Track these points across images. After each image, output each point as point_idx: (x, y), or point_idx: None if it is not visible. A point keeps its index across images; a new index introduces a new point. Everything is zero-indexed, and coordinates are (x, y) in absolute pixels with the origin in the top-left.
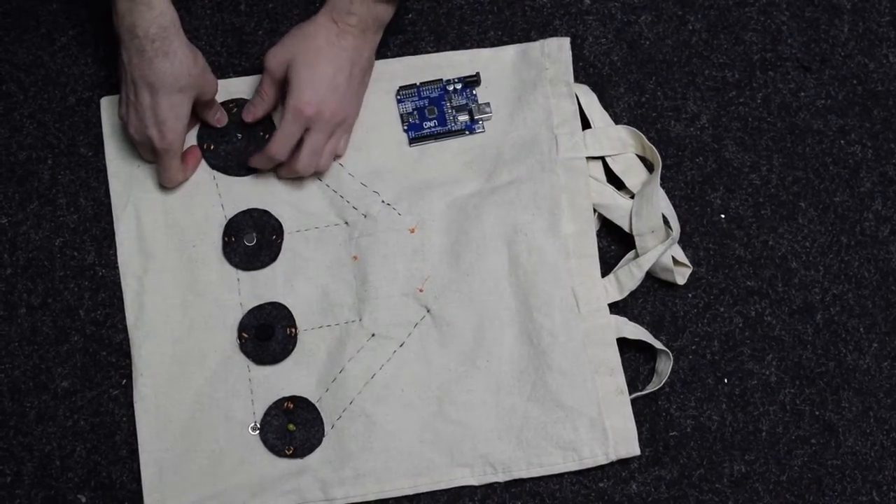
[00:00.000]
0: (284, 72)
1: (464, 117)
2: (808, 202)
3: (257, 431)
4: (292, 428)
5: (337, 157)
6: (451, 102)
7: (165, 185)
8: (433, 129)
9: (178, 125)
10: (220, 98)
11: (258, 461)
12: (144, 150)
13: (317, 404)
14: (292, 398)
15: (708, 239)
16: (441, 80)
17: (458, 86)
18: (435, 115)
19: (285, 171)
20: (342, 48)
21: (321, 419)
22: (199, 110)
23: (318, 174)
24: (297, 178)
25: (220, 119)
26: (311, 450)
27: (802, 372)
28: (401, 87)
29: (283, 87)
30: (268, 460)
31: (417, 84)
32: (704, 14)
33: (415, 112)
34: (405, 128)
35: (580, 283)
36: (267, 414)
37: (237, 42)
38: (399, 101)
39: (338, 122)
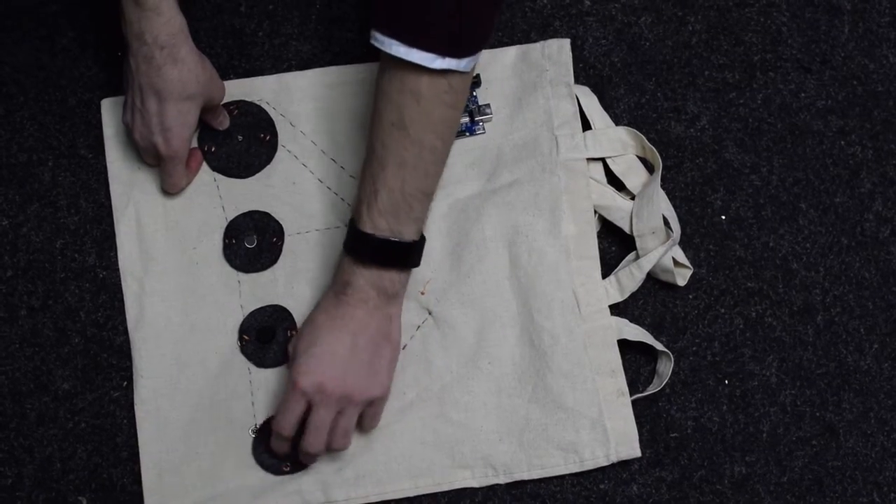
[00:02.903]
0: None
1: (464, 119)
2: (808, 203)
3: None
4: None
5: (364, 431)
6: None
7: (168, 191)
8: None
9: (185, 133)
10: None
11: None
12: (148, 155)
13: None
14: None
15: (708, 240)
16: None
17: None
18: None
19: (301, 454)
20: (343, 320)
21: None
22: (203, 114)
23: (334, 451)
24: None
25: (222, 122)
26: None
27: (803, 373)
28: None
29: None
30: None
31: None
32: (704, 15)
33: None
34: None
35: (581, 285)
36: (260, 431)
37: (237, 44)
38: None
39: (345, 396)
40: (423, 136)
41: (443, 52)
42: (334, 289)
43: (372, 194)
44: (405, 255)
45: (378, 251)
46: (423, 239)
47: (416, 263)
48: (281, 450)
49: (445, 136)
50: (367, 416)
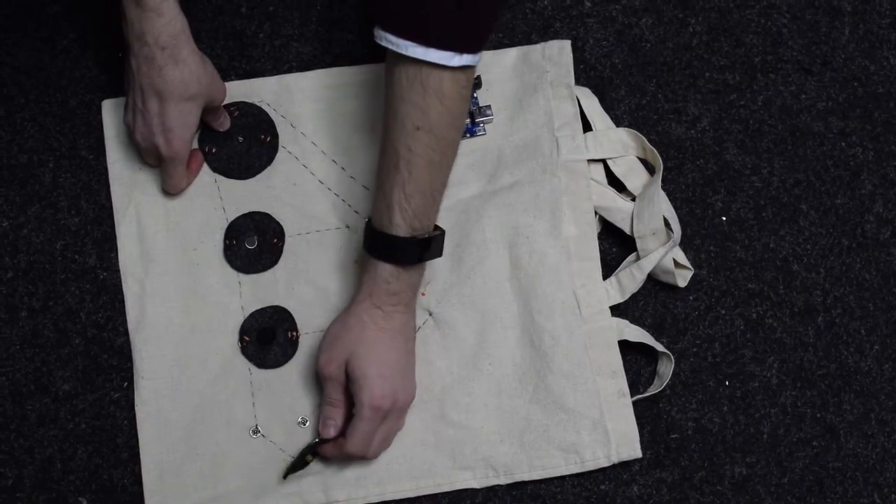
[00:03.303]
0: (344, 372)
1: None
2: (809, 204)
3: (258, 435)
4: (310, 459)
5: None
6: None
7: (169, 192)
8: None
9: (186, 133)
10: None
11: (259, 464)
12: (149, 156)
13: (318, 408)
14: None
15: (709, 241)
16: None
17: None
18: None
19: (341, 456)
20: (395, 331)
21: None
22: (204, 116)
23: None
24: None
25: (222, 123)
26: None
27: (804, 374)
28: None
29: (347, 386)
30: (269, 463)
31: None
32: (705, 16)
33: None
34: None
35: (581, 286)
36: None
37: (238, 45)
38: None
39: (403, 407)
40: (447, 133)
41: (459, 48)
42: (375, 301)
43: (404, 200)
44: (440, 246)
45: (419, 251)
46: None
47: (441, 252)
48: (337, 457)
49: (462, 128)
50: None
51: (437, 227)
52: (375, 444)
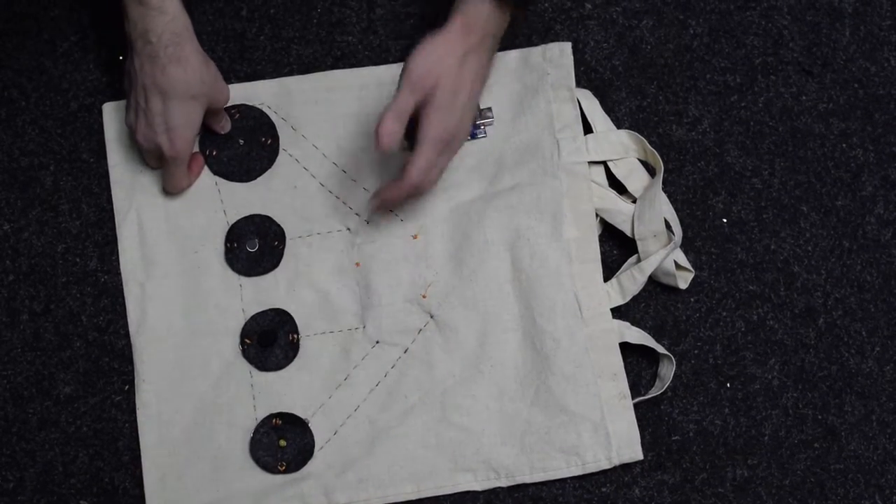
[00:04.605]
0: (427, 85)
1: None
2: (810, 206)
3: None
4: (283, 444)
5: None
6: None
7: (170, 192)
8: None
9: (189, 133)
10: None
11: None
12: (151, 157)
13: (319, 411)
14: (280, 415)
15: (710, 243)
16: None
17: None
18: None
19: (412, 193)
20: (480, 66)
21: (311, 432)
22: (206, 118)
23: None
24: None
25: (224, 126)
26: (303, 463)
27: (805, 376)
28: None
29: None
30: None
31: None
32: (706, 18)
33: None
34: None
35: (583, 288)
36: (256, 433)
37: (239, 48)
38: None
39: (462, 140)
40: None
41: None
42: (469, 41)
43: None
44: None
45: None
46: None
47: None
48: (400, 197)
49: None
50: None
51: None
52: (434, 176)
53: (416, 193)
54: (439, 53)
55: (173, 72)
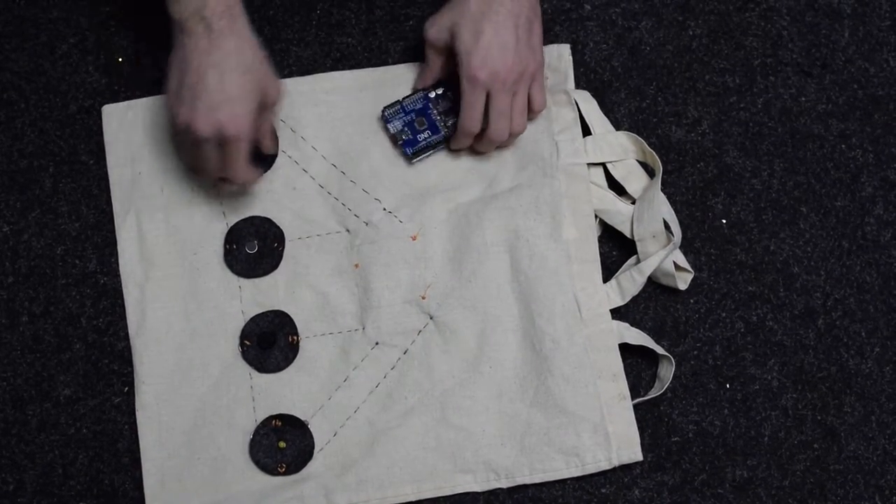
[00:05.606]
0: (446, 40)
1: (454, 121)
2: (809, 207)
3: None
4: (283, 445)
5: (535, 113)
6: (436, 109)
7: (237, 189)
8: (429, 140)
9: (249, 106)
10: None
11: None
12: (211, 148)
13: (319, 412)
14: (279, 416)
15: (709, 244)
16: (420, 89)
17: (440, 90)
18: (425, 125)
19: (484, 144)
20: (501, 5)
21: (310, 433)
22: (257, 118)
23: (514, 136)
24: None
25: (269, 145)
26: (302, 465)
27: (804, 377)
28: (385, 108)
29: (448, 55)
30: None
31: (401, 100)
32: (705, 19)
33: (405, 129)
34: (400, 144)
35: (582, 289)
36: (255, 434)
37: None
38: (387, 122)
39: (517, 80)
40: None
41: None
42: None
43: None
44: None
45: None
46: None
47: None
48: (464, 145)
49: None
50: (533, 96)
51: None
52: (493, 122)
53: (497, 138)
54: (451, 7)
55: (228, 43)
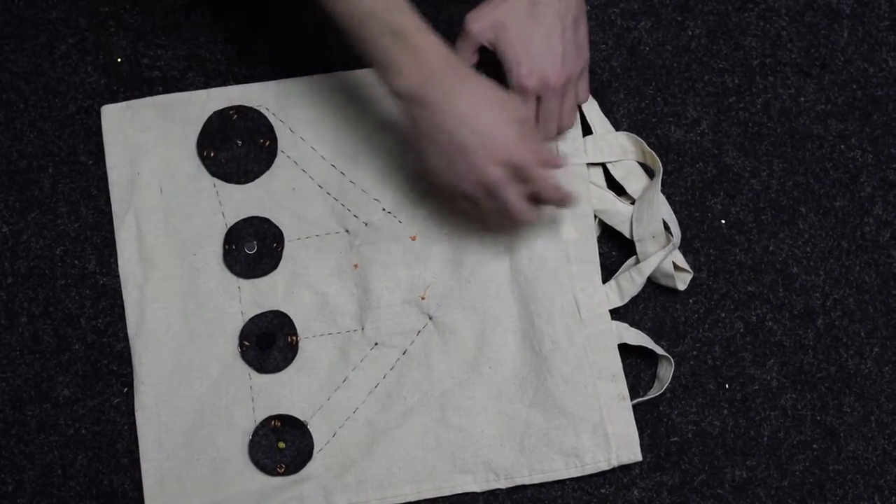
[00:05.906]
0: (490, 39)
1: None
2: (808, 207)
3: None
4: (282, 446)
5: (580, 103)
6: None
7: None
8: None
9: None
10: (221, 104)
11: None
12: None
13: (318, 413)
14: (278, 416)
15: (709, 244)
16: None
17: None
18: None
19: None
20: (548, 5)
21: (310, 434)
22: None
23: (562, 132)
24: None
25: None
26: (301, 465)
27: (804, 377)
28: None
29: (484, 50)
30: None
31: None
32: (704, 20)
33: None
34: None
35: (581, 289)
36: (255, 435)
37: (237, 49)
38: None
39: (566, 83)
40: None
41: None
42: None
43: None
44: None
45: None
46: None
47: None
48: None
49: None
50: (579, 90)
51: None
52: (541, 127)
53: (546, 140)
54: (497, 7)
55: (467, 88)
